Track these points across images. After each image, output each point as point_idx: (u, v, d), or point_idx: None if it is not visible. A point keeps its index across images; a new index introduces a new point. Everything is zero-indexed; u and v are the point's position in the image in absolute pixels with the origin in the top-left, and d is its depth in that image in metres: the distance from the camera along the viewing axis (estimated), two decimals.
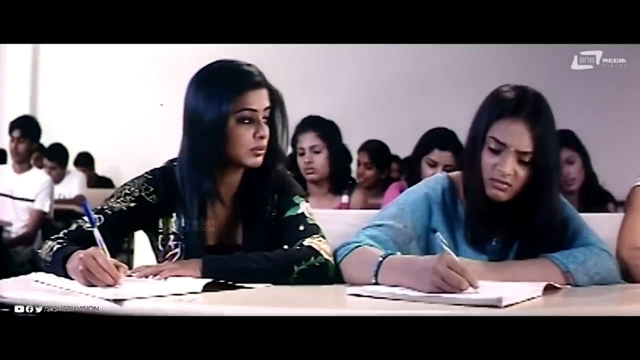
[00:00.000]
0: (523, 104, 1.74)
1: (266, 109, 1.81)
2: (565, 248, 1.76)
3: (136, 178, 1.87)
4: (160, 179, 1.85)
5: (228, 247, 1.84)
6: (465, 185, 1.85)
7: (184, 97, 1.82)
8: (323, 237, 1.82)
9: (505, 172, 1.71)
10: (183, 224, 1.84)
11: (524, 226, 1.79)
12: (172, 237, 1.85)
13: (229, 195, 1.88)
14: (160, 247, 1.87)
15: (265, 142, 1.80)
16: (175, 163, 1.87)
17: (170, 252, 1.85)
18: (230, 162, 1.82)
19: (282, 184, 1.90)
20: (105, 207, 1.83)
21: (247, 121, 1.78)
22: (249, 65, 1.83)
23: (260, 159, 1.81)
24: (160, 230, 1.86)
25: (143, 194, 1.84)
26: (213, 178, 1.81)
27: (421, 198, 1.84)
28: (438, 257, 1.51)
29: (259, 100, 1.79)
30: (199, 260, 1.70)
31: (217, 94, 1.76)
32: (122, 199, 1.83)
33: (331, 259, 1.75)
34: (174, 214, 1.85)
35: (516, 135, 1.72)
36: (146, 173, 1.87)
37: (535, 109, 1.74)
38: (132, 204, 1.83)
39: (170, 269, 1.69)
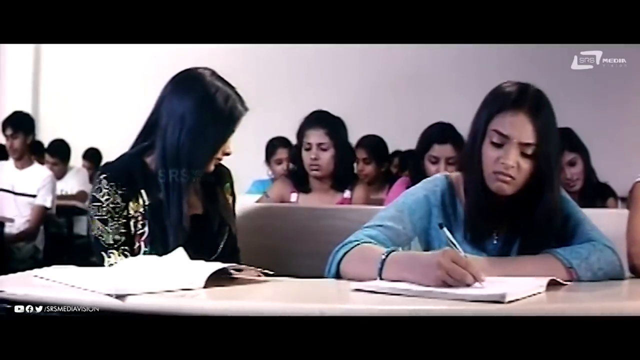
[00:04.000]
0: (524, 97, 1.76)
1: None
2: (568, 244, 1.76)
3: (97, 191, 1.97)
4: (120, 171, 1.99)
5: (192, 217, 2.02)
6: (465, 181, 1.85)
7: (179, 109, 1.97)
8: None
9: (508, 164, 1.72)
10: (147, 203, 1.98)
11: (524, 222, 1.80)
12: (140, 217, 1.98)
13: None
14: (133, 230, 1.97)
15: None
16: (125, 155, 2.05)
17: (139, 232, 1.98)
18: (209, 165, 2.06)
19: (224, 173, 2.19)
20: (114, 232, 1.96)
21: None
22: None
23: None
24: (130, 215, 1.98)
25: (117, 195, 1.96)
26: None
27: (420, 200, 1.85)
28: (442, 252, 1.52)
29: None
30: None
31: (224, 115, 1.99)
32: (114, 219, 1.96)
33: None
34: (140, 197, 1.98)
35: (518, 127, 1.73)
36: (102, 177, 1.97)
37: (536, 102, 1.76)
38: (122, 212, 1.96)
39: None
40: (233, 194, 2.20)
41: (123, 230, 1.96)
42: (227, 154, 2.05)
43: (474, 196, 1.82)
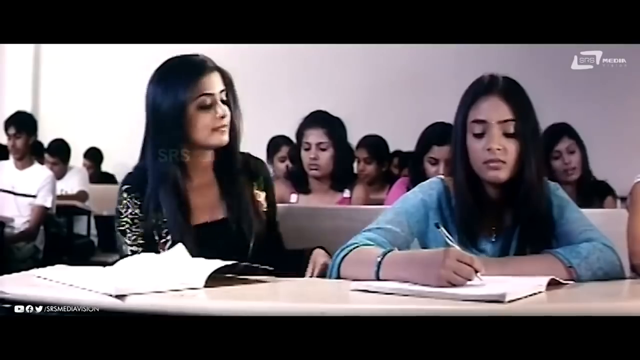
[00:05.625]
0: (494, 83, 1.81)
1: (222, 91, 1.95)
2: (567, 244, 1.77)
3: (118, 204, 1.98)
4: (140, 182, 1.97)
5: (214, 223, 1.98)
6: (454, 184, 1.86)
7: (145, 95, 1.97)
8: None
9: (494, 147, 1.75)
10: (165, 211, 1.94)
11: (515, 214, 1.82)
12: (162, 225, 1.95)
13: (207, 176, 2.02)
14: (157, 238, 1.95)
15: (226, 120, 1.94)
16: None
17: (163, 240, 1.95)
18: (197, 146, 1.96)
19: (257, 165, 2.09)
20: (132, 243, 1.95)
21: (206, 105, 1.92)
22: (197, 55, 1.99)
23: (225, 137, 1.96)
24: (154, 223, 1.95)
25: (136, 205, 1.96)
26: (179, 163, 1.95)
27: (418, 204, 1.87)
28: (445, 252, 1.52)
29: (213, 84, 1.94)
30: None
31: (174, 84, 1.92)
32: (131, 231, 1.95)
33: None
34: (158, 205, 1.95)
35: (493, 108, 1.78)
36: (122, 189, 1.98)
37: (507, 85, 1.81)
38: (139, 221, 1.95)
39: None
40: (266, 189, 2.08)
41: (141, 241, 1.95)
42: (223, 117, 1.93)
43: (463, 196, 1.83)
